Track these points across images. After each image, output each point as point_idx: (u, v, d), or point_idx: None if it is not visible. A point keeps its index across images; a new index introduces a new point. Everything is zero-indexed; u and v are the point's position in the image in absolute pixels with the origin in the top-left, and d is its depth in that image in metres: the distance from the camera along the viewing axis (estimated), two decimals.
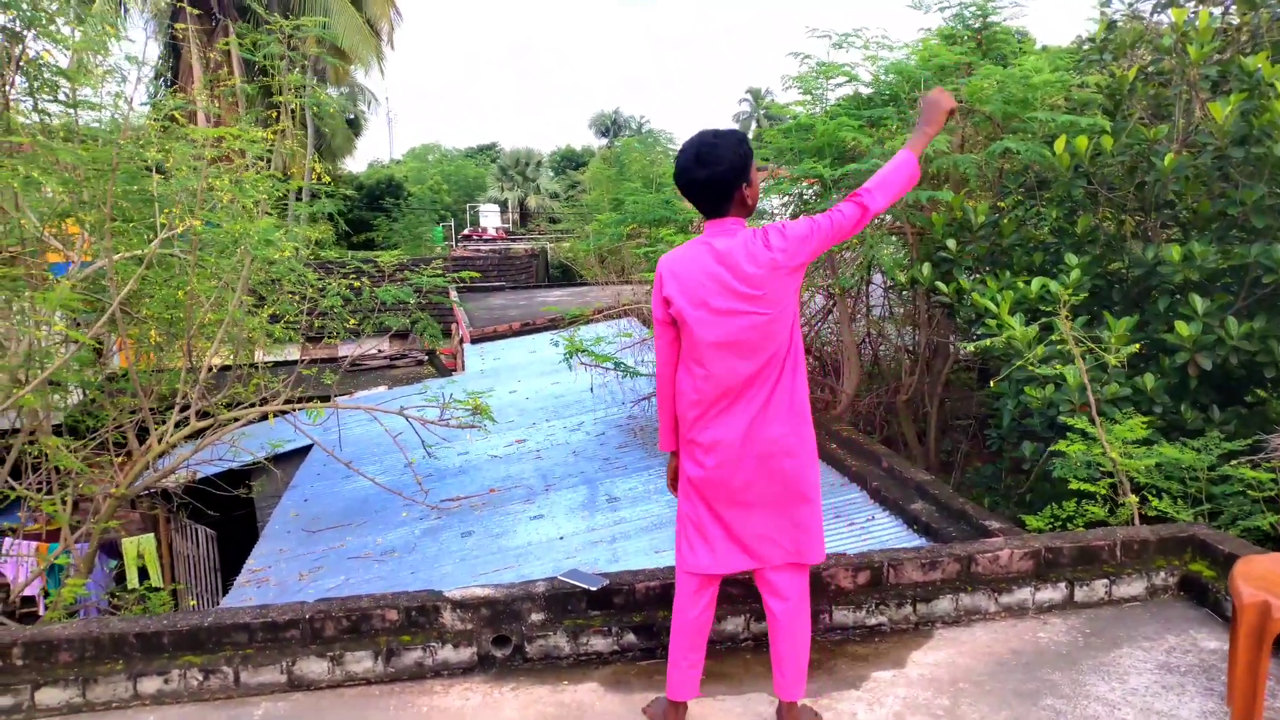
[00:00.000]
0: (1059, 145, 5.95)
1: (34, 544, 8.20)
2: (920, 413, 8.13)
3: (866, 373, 8.58)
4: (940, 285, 6.38)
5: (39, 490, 6.79)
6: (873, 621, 3.59)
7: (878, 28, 8.13)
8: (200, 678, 3.21)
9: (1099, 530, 3.93)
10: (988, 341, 5.44)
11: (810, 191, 7.54)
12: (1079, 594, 3.73)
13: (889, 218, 7.36)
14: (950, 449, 8.30)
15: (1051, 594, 3.71)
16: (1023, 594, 3.70)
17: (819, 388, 8.28)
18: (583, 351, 7.28)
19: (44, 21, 5.47)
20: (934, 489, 5.73)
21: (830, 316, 8.70)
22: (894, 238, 7.97)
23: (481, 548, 6.43)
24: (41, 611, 8.00)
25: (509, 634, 3.43)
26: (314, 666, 3.29)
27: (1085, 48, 7.36)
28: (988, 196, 7.14)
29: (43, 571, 6.89)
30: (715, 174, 2.81)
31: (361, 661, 3.32)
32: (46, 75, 5.89)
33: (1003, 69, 6.57)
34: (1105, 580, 3.74)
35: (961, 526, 5.21)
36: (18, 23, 5.48)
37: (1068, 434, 4.87)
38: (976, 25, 7.98)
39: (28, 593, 7.39)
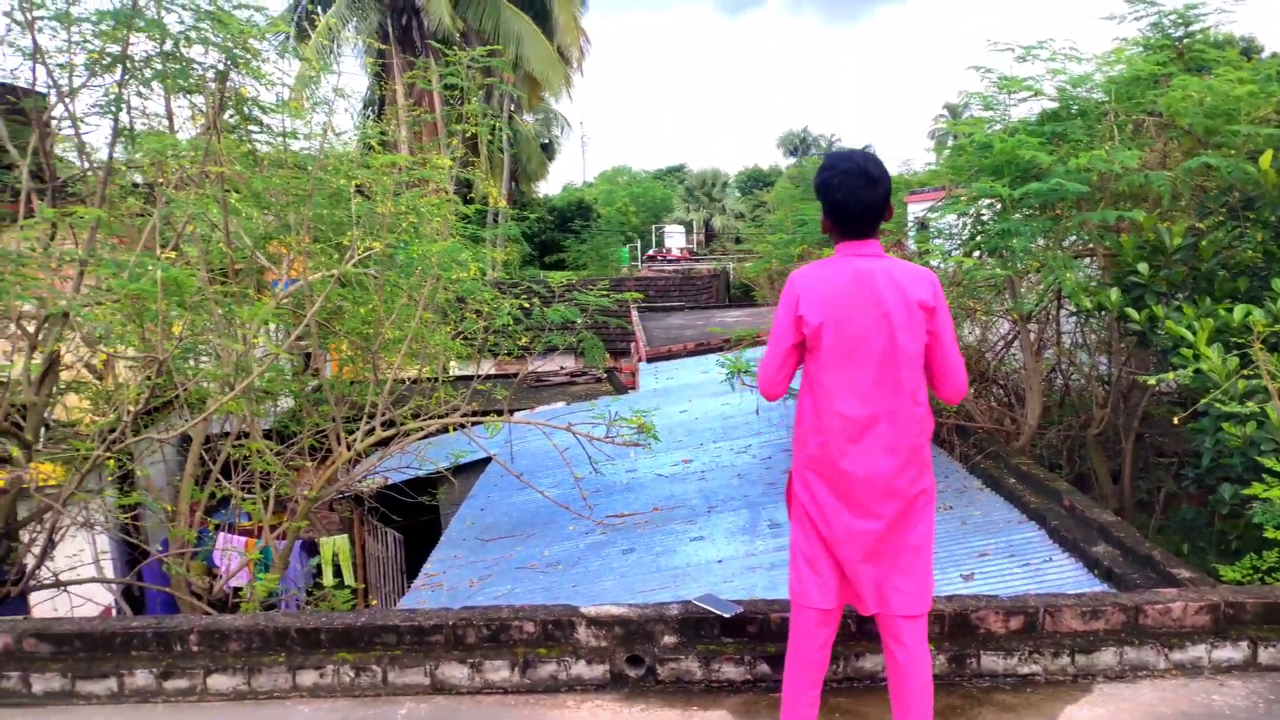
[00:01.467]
0: (1264, 161, 5.44)
1: (243, 539, 8.96)
2: (1115, 449, 7.59)
3: (1054, 404, 8.10)
4: (1130, 312, 5.95)
5: (245, 489, 7.42)
6: (1025, 670, 3.38)
7: (1065, 39, 7.68)
8: (352, 674, 3.41)
9: None
10: (1172, 375, 5.02)
11: (989, 212, 7.22)
12: (1264, 655, 3.37)
13: (1074, 239, 6.94)
14: (1150, 489, 7.69)
15: (1231, 653, 3.37)
16: (1197, 651, 3.38)
17: (1000, 419, 7.88)
18: (745, 372, 7.24)
19: (248, 61, 6.00)
20: (1119, 531, 5.33)
21: (1014, 343, 8.28)
22: (1084, 260, 7.50)
23: (641, 565, 6.49)
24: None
25: (642, 654, 3.45)
26: (455, 672, 3.43)
27: None
28: (1185, 217, 6.60)
29: (247, 565, 7.50)
30: (883, 194, 2.77)
31: (499, 670, 3.43)
32: (251, 111, 6.45)
33: (1200, 80, 6.07)
34: None
35: (1147, 573, 4.82)
36: (226, 62, 6.03)
37: (1264, 476, 4.42)
38: (1177, 34, 7.43)
39: (236, 584, 8.06)
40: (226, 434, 7.74)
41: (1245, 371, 4.85)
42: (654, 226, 42.99)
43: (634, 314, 17.59)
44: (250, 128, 6.74)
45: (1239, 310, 5.19)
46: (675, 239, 42.23)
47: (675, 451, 9.02)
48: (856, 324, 2.72)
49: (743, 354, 8.11)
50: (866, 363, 2.71)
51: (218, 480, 7.30)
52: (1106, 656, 3.39)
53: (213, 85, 6.19)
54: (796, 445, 2.90)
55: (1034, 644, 3.40)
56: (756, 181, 49.12)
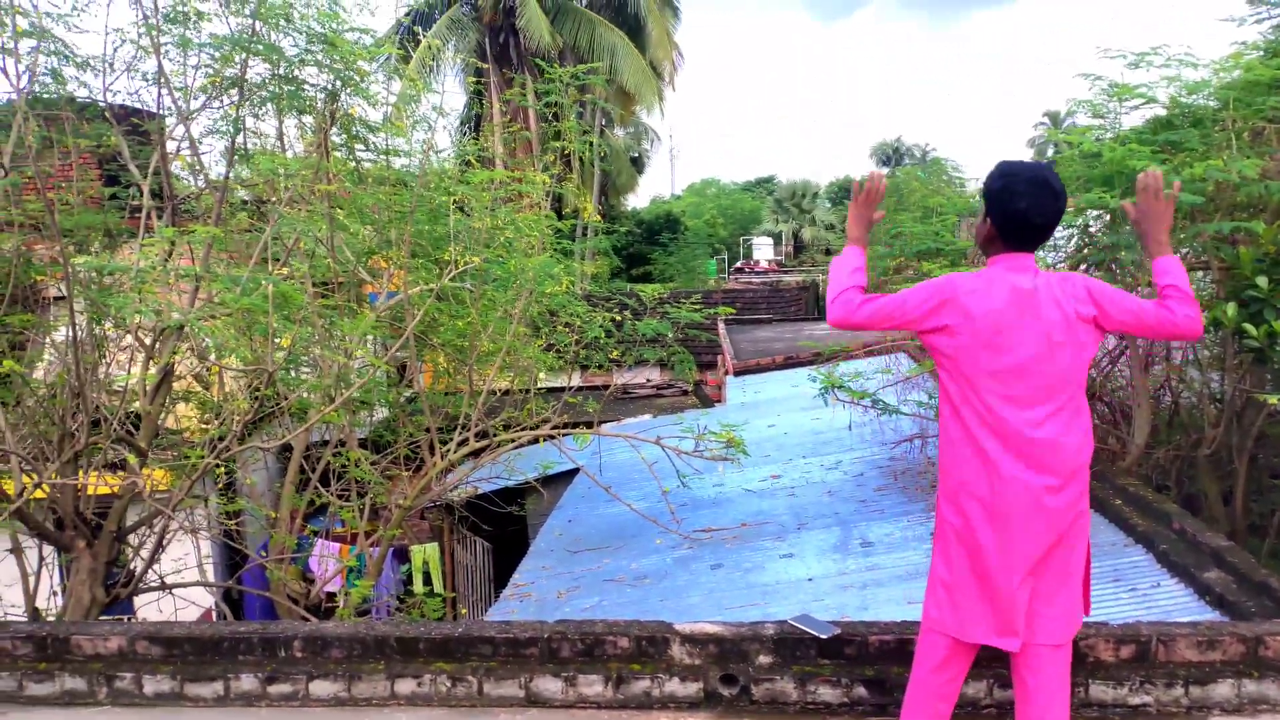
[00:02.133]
0: None
1: (339, 545, 9.20)
2: (1227, 470, 7.25)
3: (1162, 422, 7.78)
4: (1248, 327, 5.69)
5: (342, 497, 7.62)
6: (1135, 701, 3.24)
7: (1180, 45, 7.40)
8: (449, 684, 3.47)
9: None
10: None
11: (1098, 223, 7.00)
12: None
13: (1186, 251, 6.67)
14: (1263, 512, 7.33)
15: None
16: None
17: (1106, 437, 7.61)
18: (839, 387, 7.14)
19: (356, 81, 6.19)
20: (1232, 556, 5.09)
21: (1122, 358, 7.99)
22: (1199, 273, 7.21)
23: (730, 582, 6.45)
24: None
25: (736, 674, 3.42)
26: (549, 685, 3.45)
27: None
28: None
29: (342, 571, 7.70)
30: (1062, 209, 2.71)
31: (593, 685, 3.44)
32: (357, 130, 6.66)
33: None
34: None
35: (1263, 601, 4.58)
36: (336, 83, 6.24)
37: None
38: None
39: (331, 589, 8.28)
40: (325, 443, 7.97)
41: None
42: (741, 238, 42.86)
43: (721, 327, 17.53)
44: (356, 146, 6.95)
45: None
46: (763, 251, 42.01)
47: (763, 466, 8.94)
48: (1016, 344, 2.62)
49: (836, 368, 8.01)
50: (1027, 383, 2.62)
51: (316, 488, 7.52)
52: (1223, 689, 3.23)
53: (322, 106, 6.40)
54: (944, 470, 2.80)
55: (1145, 673, 3.26)
56: (847, 192, 48.53)
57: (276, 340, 5.91)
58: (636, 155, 36.46)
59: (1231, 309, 5.77)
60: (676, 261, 32.94)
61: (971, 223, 11.59)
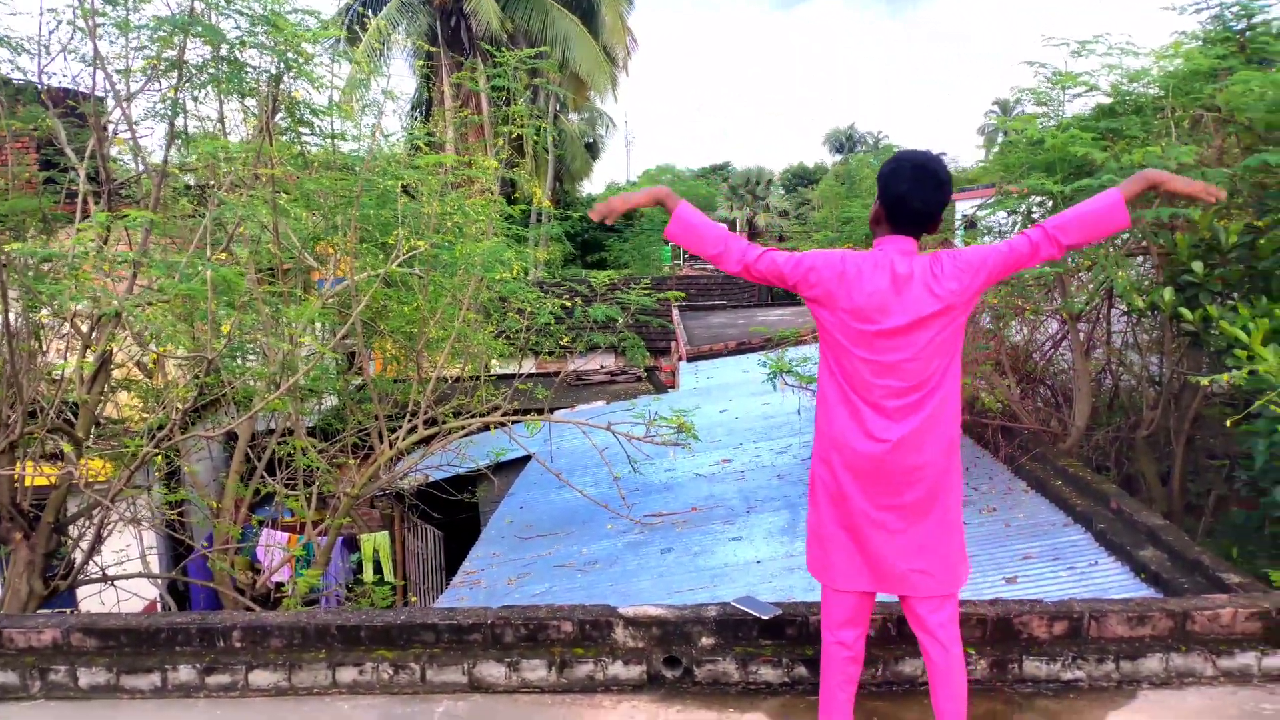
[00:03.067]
0: None
1: (286, 535, 9.09)
2: (1164, 451, 7.42)
3: (1102, 405, 7.94)
4: (1184, 311, 5.81)
5: (289, 486, 7.52)
6: (1068, 676, 3.31)
7: (1121, 33, 7.52)
8: (391, 672, 3.44)
9: None
10: (1226, 376, 4.90)
11: (1041, 209, 7.10)
12: None
13: (1126, 237, 6.80)
14: (1200, 492, 7.52)
15: None
16: (1246, 659, 3.29)
17: (1048, 420, 7.75)
18: (787, 372, 7.20)
19: (300, 64, 6.08)
20: (1167, 535, 5.22)
21: (1064, 343, 8.13)
22: (1138, 259, 7.35)
23: (680, 565, 6.48)
24: None
25: (679, 655, 3.44)
26: (492, 670, 3.45)
27: None
28: (1243, 215, 6.44)
29: (289, 561, 7.61)
30: (945, 199, 2.81)
31: (536, 670, 3.44)
32: (302, 114, 6.55)
33: (1262, 74, 5.92)
34: None
35: (1195, 578, 4.71)
36: (279, 66, 6.12)
37: None
38: (1239, 26, 7.24)
39: (279, 579, 8.18)
40: (271, 431, 7.86)
41: None
42: None
43: (675, 313, 17.57)
44: (301, 130, 6.83)
45: None
46: None
47: (715, 451, 8.99)
48: (889, 322, 2.74)
49: (785, 354, 8.07)
50: (896, 357, 2.74)
51: (262, 477, 7.42)
52: (1152, 663, 3.32)
53: (265, 89, 6.28)
54: (818, 428, 2.94)
55: (1078, 649, 3.34)
56: (801, 179, 48.84)
57: (217, 327, 5.80)
58: (591, 141, 36.29)
59: (1169, 293, 5.89)
60: (632, 248, 32.86)
61: None
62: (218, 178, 6.76)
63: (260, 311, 6.57)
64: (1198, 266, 5.86)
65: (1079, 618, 3.38)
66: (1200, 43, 7.15)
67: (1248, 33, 7.18)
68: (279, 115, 6.74)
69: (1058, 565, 5.36)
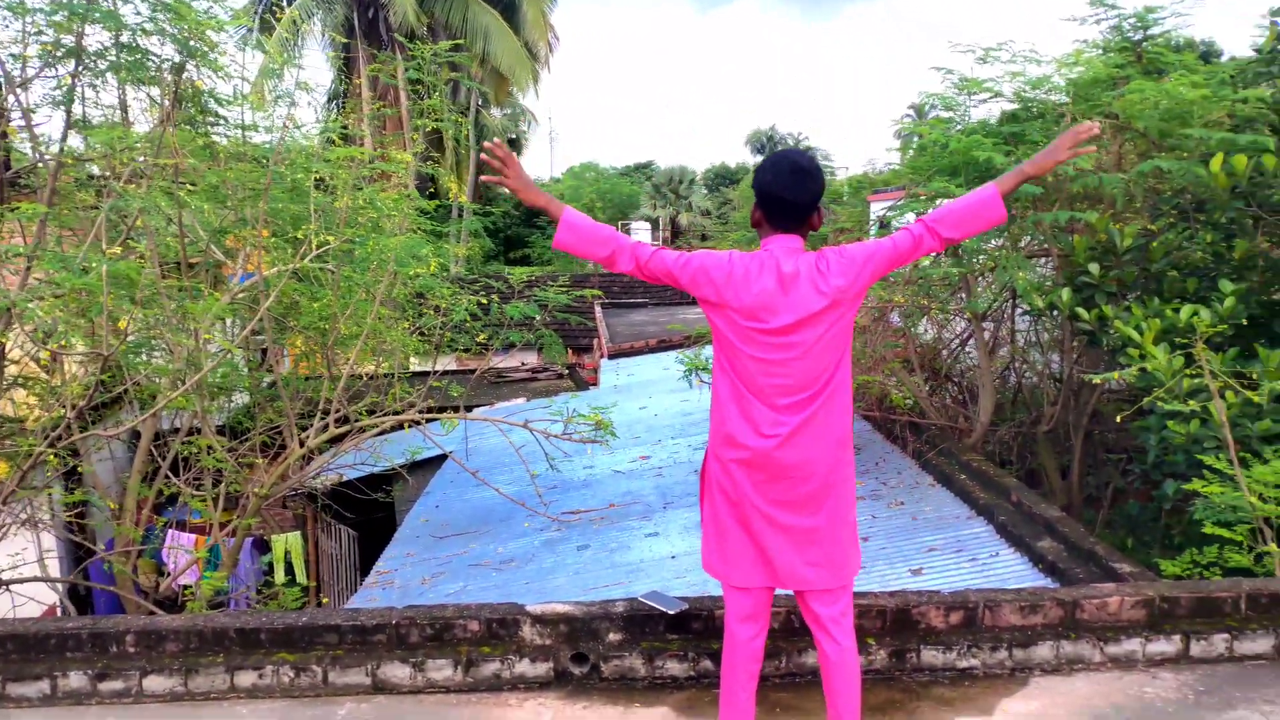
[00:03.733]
0: (1215, 164, 5.53)
1: (192, 537, 8.84)
2: (1065, 446, 7.70)
3: (1006, 401, 8.20)
4: (1081, 311, 6.03)
5: (195, 486, 7.31)
6: (964, 664, 3.42)
7: (1026, 41, 7.78)
8: (292, 674, 3.38)
9: (1223, 581, 3.61)
10: (1117, 374, 5.11)
11: None
12: (1196, 648, 3.43)
13: (1029, 239, 7.03)
14: (1098, 485, 7.81)
15: (1164, 646, 3.43)
16: (1132, 645, 3.44)
17: (953, 416, 7.97)
18: (703, 369, 7.26)
19: (205, 52, 5.92)
20: (1064, 526, 5.42)
21: (970, 341, 8.37)
22: (1039, 260, 7.60)
23: (596, 562, 6.49)
24: None
25: (586, 652, 3.44)
26: (397, 671, 3.41)
27: (1252, 60, 6.83)
28: (1138, 218, 6.71)
29: (196, 563, 7.40)
30: (815, 192, 2.83)
31: (442, 669, 3.41)
32: (207, 104, 6.37)
33: (1155, 83, 6.17)
34: (1226, 635, 3.43)
35: (1090, 568, 4.90)
36: (183, 54, 5.95)
37: (1205, 473, 4.51)
38: (1136, 37, 7.53)
39: (185, 582, 7.95)
40: (177, 430, 7.63)
41: (1189, 371, 4.93)
42: (620, 223, 42.89)
43: (598, 310, 17.58)
44: (207, 120, 6.64)
45: (1185, 310, 5.28)
46: (641, 235, 42.21)
47: (634, 448, 9.03)
48: (779, 322, 2.78)
49: (701, 351, 8.13)
50: (787, 355, 2.77)
51: (167, 477, 7.20)
52: (1043, 650, 3.44)
53: (168, 77, 6.09)
54: (712, 425, 2.95)
55: (973, 638, 3.44)
56: (723, 179, 49.22)
57: (115, 323, 5.61)
58: (514, 137, 36.02)
59: (1066, 294, 6.10)
60: None
61: (829, 210, 11.94)
62: (118, 168, 6.53)
63: (164, 307, 6.38)
64: (1094, 268, 6.09)
65: (974, 607, 3.48)
66: (1101, 52, 7.43)
67: (1144, 43, 7.48)
68: (184, 105, 6.55)
69: (961, 557, 5.51)
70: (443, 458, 9.63)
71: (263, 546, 9.85)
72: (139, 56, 6.14)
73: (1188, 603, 3.49)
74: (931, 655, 3.42)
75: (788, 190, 2.81)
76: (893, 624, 3.43)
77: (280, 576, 9.19)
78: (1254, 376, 4.79)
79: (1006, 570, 5.25)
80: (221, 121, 6.98)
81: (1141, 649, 3.45)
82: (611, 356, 14.13)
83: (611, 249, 2.88)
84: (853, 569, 2.90)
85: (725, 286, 2.80)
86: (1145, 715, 3.12)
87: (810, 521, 2.81)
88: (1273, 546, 4.01)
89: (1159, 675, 3.37)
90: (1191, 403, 4.76)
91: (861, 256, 2.79)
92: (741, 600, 2.93)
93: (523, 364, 14.91)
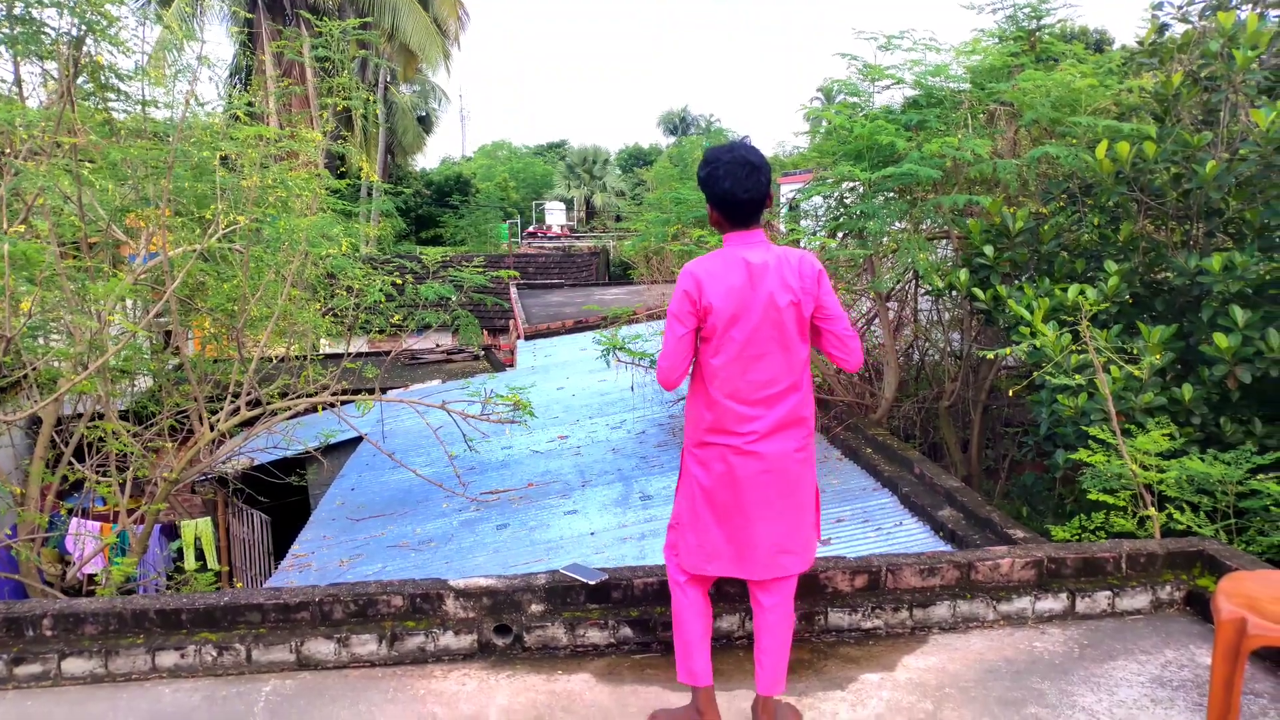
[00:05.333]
0: (1100, 151, 5.85)
1: (98, 524, 8.61)
2: (965, 420, 8.05)
3: (910, 378, 8.52)
4: (977, 291, 6.32)
5: (100, 472, 7.14)
6: (868, 625, 3.62)
7: (926, 30, 8.05)
8: (214, 654, 3.39)
9: (1105, 542, 3.89)
10: (1009, 350, 5.39)
11: (853, 195, 7.52)
12: (1080, 605, 3.70)
13: (929, 222, 7.31)
14: (996, 457, 8.20)
15: (1052, 604, 3.69)
16: (1022, 603, 3.69)
17: (860, 392, 8.25)
18: (620, 349, 7.38)
19: (103, 27, 5.75)
20: (963, 496, 5.70)
21: (875, 320, 8.66)
22: (940, 242, 7.89)
23: (515, 540, 6.57)
24: None
25: (510, 624, 3.54)
26: (321, 647, 3.45)
27: (1137, 51, 7.22)
28: (1032, 202, 7.04)
29: (103, 550, 7.23)
30: (766, 182, 2.90)
31: (366, 644, 3.46)
32: (107, 79, 6.19)
33: (1046, 73, 6.48)
34: (1109, 592, 3.70)
35: (987, 534, 5.18)
36: (80, 28, 5.77)
37: (1091, 444, 4.81)
38: (1031, 26, 7.87)
39: (91, 570, 7.75)
40: (80, 415, 7.43)
41: (1076, 347, 5.23)
42: (534, 203, 42.69)
43: (513, 291, 17.55)
44: (107, 96, 6.45)
45: (1072, 290, 5.58)
46: (556, 216, 42.06)
47: (552, 428, 9.11)
48: (753, 318, 2.85)
49: (619, 331, 8.24)
50: (760, 351, 2.87)
51: (70, 463, 7.01)
52: (941, 610, 3.66)
53: (66, 51, 5.89)
54: (692, 425, 3.01)
55: (877, 600, 3.64)
56: (637, 159, 49.34)
57: (18, 304, 5.45)
58: (424, 114, 35.47)
59: (964, 275, 6.38)
60: (468, 224, 32.41)
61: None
62: (14, 145, 6.30)
63: (64, 288, 6.20)
64: (989, 250, 6.38)
65: (878, 571, 3.68)
66: (997, 41, 7.74)
67: (1038, 32, 7.82)
68: (82, 80, 6.34)
69: (867, 527, 5.76)
70: (358, 440, 9.56)
71: (172, 533, 9.64)
72: (34, 29, 5.93)
73: (1073, 563, 3.75)
74: (838, 617, 3.61)
75: (744, 190, 2.86)
76: (802, 588, 3.60)
77: (191, 563, 9.02)
78: (1136, 352, 5.10)
79: (910, 539, 5.51)
80: (122, 97, 6.79)
81: (1031, 607, 3.70)
82: (528, 338, 14.14)
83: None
84: (815, 550, 3.07)
85: (707, 289, 2.83)
86: (1034, 668, 3.35)
87: (787, 512, 2.94)
88: (1152, 510, 4.31)
89: (1047, 631, 3.63)
90: (1079, 377, 5.06)
91: (815, 277, 2.90)
92: (700, 582, 3.06)
93: (438, 346, 14.81)
